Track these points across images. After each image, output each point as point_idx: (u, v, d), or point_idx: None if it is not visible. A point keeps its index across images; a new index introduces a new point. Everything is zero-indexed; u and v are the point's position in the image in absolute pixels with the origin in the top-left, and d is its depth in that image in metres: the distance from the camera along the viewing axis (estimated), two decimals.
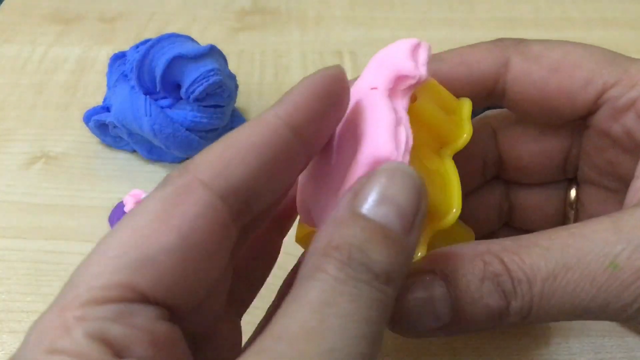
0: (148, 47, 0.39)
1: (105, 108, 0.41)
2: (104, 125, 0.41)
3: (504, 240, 0.22)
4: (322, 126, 0.21)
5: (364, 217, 0.18)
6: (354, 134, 0.21)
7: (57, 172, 0.41)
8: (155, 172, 0.41)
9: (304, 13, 0.59)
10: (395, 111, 0.21)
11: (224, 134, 0.43)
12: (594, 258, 0.21)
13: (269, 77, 0.50)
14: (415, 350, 0.31)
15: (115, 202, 0.37)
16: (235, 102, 0.42)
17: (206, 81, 0.38)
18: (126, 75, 0.41)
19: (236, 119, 0.43)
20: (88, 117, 0.42)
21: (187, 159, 0.41)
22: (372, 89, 0.22)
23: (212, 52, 0.40)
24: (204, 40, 0.42)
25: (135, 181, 0.40)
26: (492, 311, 0.21)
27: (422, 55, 0.23)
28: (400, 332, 0.23)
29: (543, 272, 0.21)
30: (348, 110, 0.22)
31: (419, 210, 0.18)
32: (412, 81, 0.22)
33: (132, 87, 0.40)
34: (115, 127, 0.40)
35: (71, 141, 0.43)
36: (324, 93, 0.20)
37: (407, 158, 0.20)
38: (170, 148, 0.39)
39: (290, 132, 0.19)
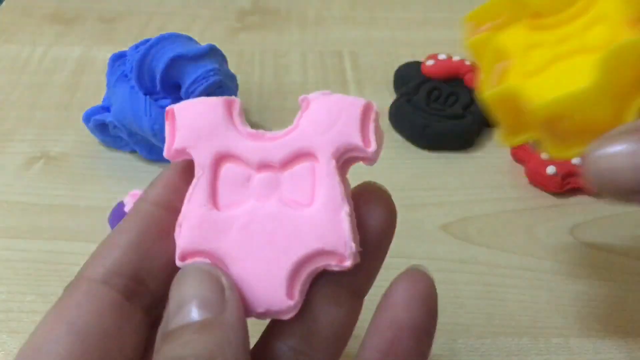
0: (148, 47, 0.39)
1: (105, 108, 0.41)
2: (103, 125, 0.41)
3: None
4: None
5: (169, 332, 0.18)
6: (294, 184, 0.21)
7: (57, 172, 0.41)
8: (156, 173, 0.40)
9: (304, 13, 0.59)
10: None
11: None
12: None
13: (269, 77, 0.50)
14: None
15: (115, 203, 0.37)
16: None
17: (206, 81, 0.38)
18: (126, 75, 0.41)
19: None
20: (88, 117, 0.42)
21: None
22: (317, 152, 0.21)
23: (212, 52, 0.40)
24: (203, 40, 0.42)
25: (135, 181, 0.40)
26: None
27: (371, 126, 0.21)
28: (603, 192, 0.23)
29: None
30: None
31: (220, 287, 0.18)
32: (361, 154, 0.21)
33: (132, 87, 0.40)
34: (115, 127, 0.40)
35: (71, 141, 0.43)
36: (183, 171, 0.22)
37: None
38: None
39: (158, 209, 0.21)
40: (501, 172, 0.41)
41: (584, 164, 0.22)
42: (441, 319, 0.32)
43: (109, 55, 0.44)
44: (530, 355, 0.31)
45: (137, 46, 0.41)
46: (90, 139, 0.43)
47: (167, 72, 0.38)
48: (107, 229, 0.36)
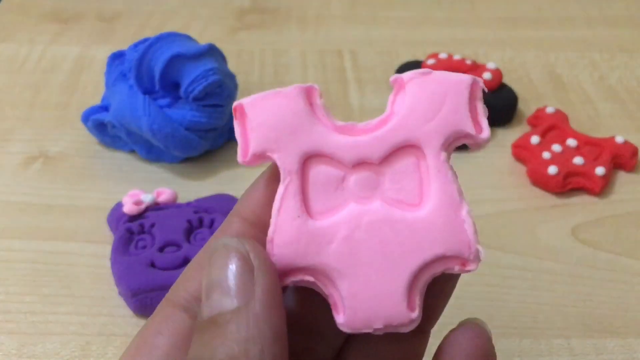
0: (147, 46, 0.39)
1: (104, 107, 0.41)
2: (102, 125, 0.41)
3: None
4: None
5: (204, 323, 0.17)
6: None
7: (55, 172, 0.41)
8: (154, 172, 0.41)
9: (304, 12, 0.59)
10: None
11: (223, 134, 0.43)
12: None
13: (268, 76, 0.50)
14: None
15: (114, 203, 0.37)
16: (234, 101, 0.42)
17: (205, 80, 0.38)
18: (125, 75, 0.40)
19: None
20: (86, 117, 0.41)
21: (186, 159, 0.41)
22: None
23: (211, 51, 0.40)
24: (203, 39, 0.42)
25: (133, 181, 0.40)
26: None
27: (480, 107, 0.19)
28: None
29: None
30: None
31: (249, 267, 0.17)
32: (470, 141, 0.18)
33: (131, 87, 0.39)
34: (113, 126, 0.40)
35: (69, 141, 0.43)
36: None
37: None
38: (169, 148, 0.39)
39: (250, 227, 0.19)
40: (502, 172, 0.41)
41: None
42: (441, 319, 0.32)
43: (107, 54, 0.43)
44: (531, 357, 0.31)
45: (136, 45, 0.41)
46: (88, 139, 0.43)
47: (166, 72, 0.38)
48: (106, 229, 0.36)
